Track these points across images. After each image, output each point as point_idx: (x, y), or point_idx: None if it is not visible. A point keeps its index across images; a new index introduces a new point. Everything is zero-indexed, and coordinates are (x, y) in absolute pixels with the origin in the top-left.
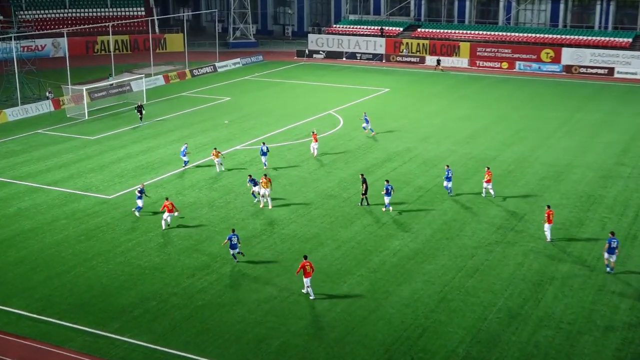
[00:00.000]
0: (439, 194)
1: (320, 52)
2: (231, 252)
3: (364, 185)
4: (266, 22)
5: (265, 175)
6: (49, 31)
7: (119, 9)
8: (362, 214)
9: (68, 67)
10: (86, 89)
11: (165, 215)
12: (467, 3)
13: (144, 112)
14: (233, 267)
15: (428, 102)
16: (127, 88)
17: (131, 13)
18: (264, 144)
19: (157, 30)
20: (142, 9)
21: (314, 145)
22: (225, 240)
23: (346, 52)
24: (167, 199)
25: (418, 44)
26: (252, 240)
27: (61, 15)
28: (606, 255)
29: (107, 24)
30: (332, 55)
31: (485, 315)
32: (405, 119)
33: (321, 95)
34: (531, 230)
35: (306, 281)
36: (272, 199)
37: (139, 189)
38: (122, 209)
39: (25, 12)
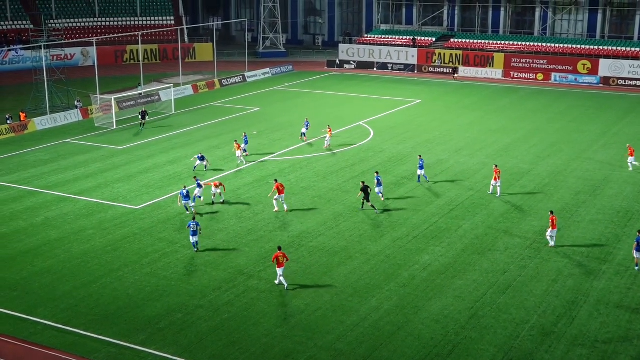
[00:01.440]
0: (472, 207)
1: (351, 63)
2: (192, 240)
3: (362, 191)
4: (296, 31)
5: (276, 180)
6: (79, 40)
7: (148, 18)
8: (392, 227)
9: (97, 76)
10: (115, 99)
11: (213, 190)
12: (502, 13)
13: (147, 118)
14: (260, 279)
15: (461, 114)
16: (155, 98)
17: (161, 22)
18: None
19: (186, 39)
20: (172, 18)
21: (327, 139)
22: (187, 227)
23: (377, 63)
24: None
25: (451, 54)
26: None
27: (90, 24)
28: (636, 254)
29: (136, 33)
30: (363, 65)
31: (517, 333)
32: (437, 131)
33: (351, 106)
34: (566, 246)
35: (279, 271)
36: (302, 210)
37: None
38: (149, 220)
39: (55, 21)
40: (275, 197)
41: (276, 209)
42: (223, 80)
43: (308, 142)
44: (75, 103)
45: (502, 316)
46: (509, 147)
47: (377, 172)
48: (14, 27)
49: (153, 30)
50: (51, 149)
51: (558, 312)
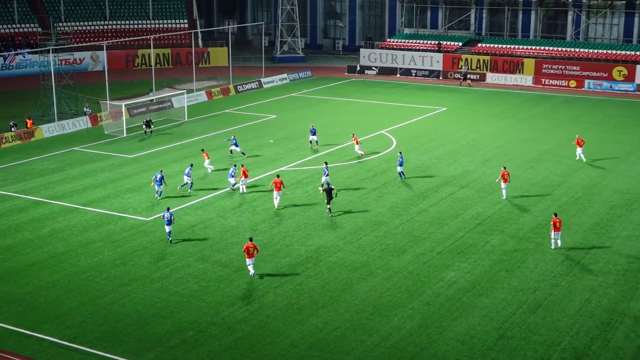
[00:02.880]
0: (500, 221)
1: (373, 68)
2: (167, 229)
3: (326, 193)
4: (315, 35)
5: (278, 175)
6: (88, 44)
7: (161, 21)
8: (415, 241)
9: (107, 82)
10: (125, 105)
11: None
12: (532, 16)
13: (152, 127)
14: (276, 296)
15: (488, 123)
16: (167, 104)
17: (174, 25)
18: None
19: (200, 43)
20: (185, 21)
21: (357, 148)
22: (161, 217)
23: (400, 68)
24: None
25: (478, 60)
26: (297, 268)
27: (101, 27)
28: None
29: (148, 37)
30: (385, 71)
31: (548, 355)
32: (464, 140)
33: (373, 114)
34: (600, 264)
35: (248, 261)
36: (320, 223)
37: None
38: (160, 232)
39: (64, 24)
40: (274, 194)
41: (277, 206)
42: (238, 87)
43: (325, 150)
44: (84, 109)
45: (532, 337)
46: (540, 158)
47: (325, 162)
48: (21, 30)
49: (166, 34)
50: (59, 157)
51: (592, 334)
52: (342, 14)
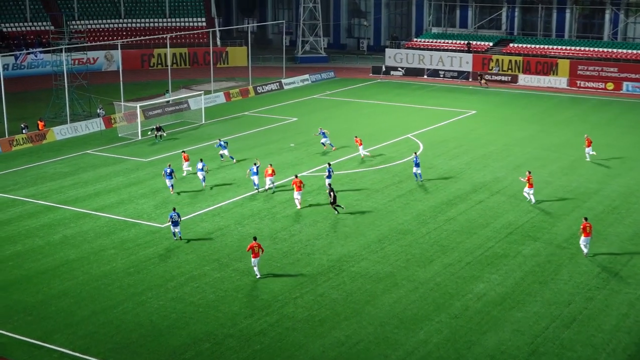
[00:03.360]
0: (532, 231)
1: (399, 69)
2: (172, 229)
3: (332, 194)
4: (339, 34)
5: (297, 175)
6: (102, 42)
7: (178, 20)
8: (443, 251)
9: (121, 82)
10: (140, 106)
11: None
12: (567, 15)
13: (162, 133)
14: (296, 307)
15: (520, 127)
16: (184, 106)
17: (191, 24)
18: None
19: (218, 42)
20: (203, 19)
21: (361, 150)
22: (168, 219)
23: (428, 69)
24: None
25: (510, 60)
26: (319, 278)
27: (115, 25)
28: None
29: (164, 36)
30: (411, 72)
31: None
32: (494, 145)
33: (399, 117)
34: (638, 276)
35: (253, 261)
36: (343, 232)
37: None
38: (176, 239)
39: (78, 22)
40: (295, 194)
41: (299, 206)
42: (258, 88)
43: (347, 154)
44: (98, 111)
45: (566, 353)
46: (574, 165)
47: (329, 164)
48: (33, 28)
49: (183, 33)
50: (71, 160)
51: (630, 351)
52: (367, 12)
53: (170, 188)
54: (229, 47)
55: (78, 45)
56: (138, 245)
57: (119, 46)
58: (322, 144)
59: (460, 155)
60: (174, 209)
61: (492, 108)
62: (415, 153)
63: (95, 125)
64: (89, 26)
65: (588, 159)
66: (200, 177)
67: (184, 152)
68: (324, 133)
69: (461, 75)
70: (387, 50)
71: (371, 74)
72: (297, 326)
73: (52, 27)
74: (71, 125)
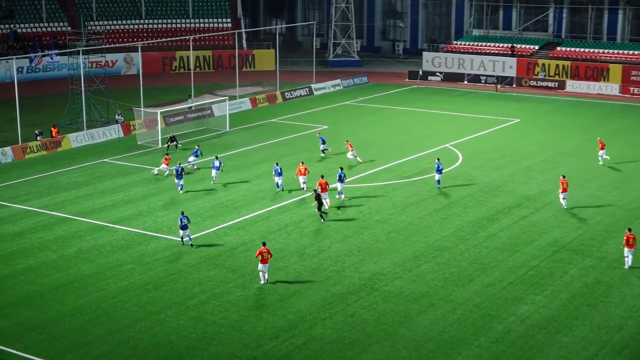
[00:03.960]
0: (580, 249)
1: (437, 74)
2: (181, 233)
3: (317, 201)
4: (373, 37)
5: (322, 176)
6: (122, 44)
7: (201, 20)
8: (483, 269)
9: (141, 87)
10: (161, 112)
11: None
12: (620, 16)
13: (176, 144)
14: (325, 328)
15: (568, 137)
16: (207, 112)
17: (215, 25)
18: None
19: (244, 45)
20: (229, 20)
21: (350, 155)
22: (178, 223)
23: (468, 75)
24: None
25: (557, 65)
26: (349, 298)
27: (135, 26)
28: None
29: (187, 37)
30: (451, 77)
31: None
32: (539, 156)
33: (436, 125)
34: None
35: (261, 267)
36: (376, 248)
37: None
38: (197, 255)
39: (96, 23)
40: (322, 196)
41: (328, 205)
42: (286, 93)
43: (381, 165)
44: (116, 117)
45: None
46: (628, 178)
47: (341, 168)
48: (49, 29)
49: (207, 34)
50: (87, 169)
51: None
52: (403, 13)
53: (179, 188)
54: (255, 50)
55: (96, 47)
56: (157, 260)
57: (139, 48)
58: (322, 150)
59: (503, 166)
60: (182, 213)
61: (537, 116)
62: (438, 159)
63: (113, 132)
64: (107, 27)
65: (601, 162)
66: (213, 174)
67: (167, 154)
68: (323, 139)
69: (504, 81)
70: (424, 53)
71: (407, 79)
72: (326, 349)
73: (69, 28)
74: (88, 132)
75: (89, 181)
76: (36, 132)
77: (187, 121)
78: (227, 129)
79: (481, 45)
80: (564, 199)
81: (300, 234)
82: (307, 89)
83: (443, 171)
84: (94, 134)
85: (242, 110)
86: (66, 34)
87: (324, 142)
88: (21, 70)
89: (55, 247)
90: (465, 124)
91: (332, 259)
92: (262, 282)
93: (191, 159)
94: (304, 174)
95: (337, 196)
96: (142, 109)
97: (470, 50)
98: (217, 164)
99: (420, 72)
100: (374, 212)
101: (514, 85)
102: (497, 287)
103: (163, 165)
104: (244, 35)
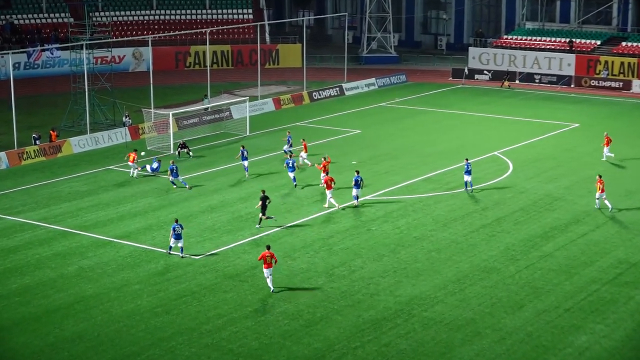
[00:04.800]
0: None
1: (485, 72)
2: (172, 243)
3: (261, 202)
4: (412, 30)
5: (327, 172)
6: (130, 38)
7: (220, 11)
8: (536, 294)
9: (151, 85)
10: (173, 114)
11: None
12: None
13: (187, 151)
14: (356, 359)
15: (634, 144)
16: (225, 114)
17: (235, 16)
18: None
19: (267, 39)
20: (250, 11)
21: (303, 156)
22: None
23: (520, 73)
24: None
25: (622, 63)
26: (384, 324)
27: (146, 18)
28: None
29: (203, 30)
30: (500, 76)
31: None
32: (601, 166)
33: (483, 130)
34: None
35: (266, 272)
36: (414, 268)
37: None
38: (213, 274)
39: (101, 14)
40: (327, 193)
41: (326, 204)
42: (314, 93)
43: (421, 174)
44: (123, 119)
45: None
46: None
47: (357, 172)
48: (49, 20)
49: (225, 27)
50: (90, 177)
51: None
52: (447, 3)
53: (174, 185)
54: (280, 45)
55: (101, 41)
56: (168, 281)
57: (150, 42)
58: (285, 151)
59: (559, 177)
60: (177, 220)
61: (598, 121)
62: (467, 159)
63: (119, 136)
64: (114, 19)
65: (604, 159)
66: (245, 164)
67: (135, 150)
68: (289, 139)
69: (561, 80)
70: (470, 49)
71: (451, 78)
72: None
73: (72, 20)
74: (91, 136)
75: (92, 191)
76: (34, 135)
77: (202, 124)
78: (247, 133)
79: (535, 40)
80: (598, 199)
81: (328, 252)
82: (337, 89)
83: (491, 182)
84: (98, 138)
85: (264, 112)
86: (68, 26)
87: (289, 143)
88: (18, 66)
89: (53, 265)
90: (516, 129)
91: (365, 280)
92: (271, 290)
93: (170, 178)
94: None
95: (353, 201)
96: (152, 110)
97: (523, 46)
98: (245, 153)
99: (466, 70)
100: (413, 228)
101: (572, 86)
102: (552, 314)
103: (129, 163)
104: (267, 28)
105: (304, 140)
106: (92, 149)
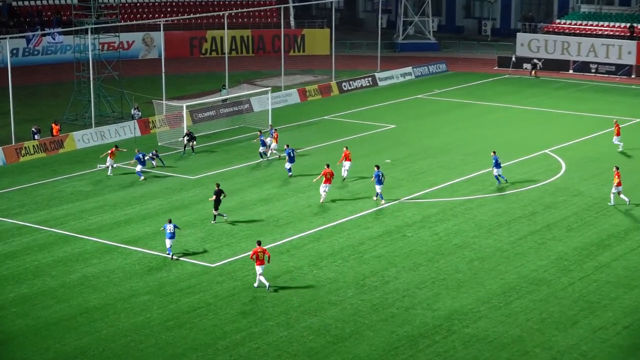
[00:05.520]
0: None
1: (535, 61)
2: (168, 243)
3: (215, 196)
4: (454, 14)
5: (328, 165)
6: (140, 22)
7: None
8: (591, 309)
9: (163, 74)
10: (187, 106)
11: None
12: None
13: (194, 143)
14: None
15: None
16: (245, 106)
17: None
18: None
19: (292, 23)
20: None
21: (273, 146)
22: (162, 229)
23: (574, 62)
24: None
25: None
26: (420, 342)
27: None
28: None
29: (221, 13)
30: (552, 65)
31: None
32: (621, 158)
33: (532, 125)
34: None
35: (258, 269)
36: (454, 279)
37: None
38: (230, 284)
39: None
40: (322, 187)
41: (322, 199)
42: (343, 84)
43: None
44: (132, 112)
45: None
46: None
47: (377, 167)
48: (50, 2)
49: (245, 10)
50: (95, 176)
51: None
52: None
53: (140, 176)
54: (306, 30)
55: (108, 25)
56: (180, 291)
57: (162, 27)
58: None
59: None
60: (170, 220)
61: None
62: (494, 152)
63: (127, 130)
64: (122, 0)
65: (620, 150)
66: (288, 166)
67: (116, 147)
68: (263, 141)
69: (620, 70)
70: (518, 35)
71: (496, 68)
72: None
73: (76, 1)
74: (96, 130)
75: (97, 191)
76: (33, 129)
77: (219, 117)
78: (268, 128)
79: (591, 25)
80: (613, 193)
81: (359, 260)
82: (369, 79)
83: (541, 183)
84: (104, 132)
85: (287, 104)
86: (72, 8)
87: (263, 144)
88: (16, 52)
89: (54, 272)
90: (570, 125)
91: (400, 292)
92: (267, 288)
93: (138, 167)
94: (350, 159)
95: (375, 198)
96: (164, 101)
97: (577, 32)
98: (292, 153)
99: (513, 59)
100: (453, 235)
101: (632, 76)
102: (610, 331)
103: (108, 160)
104: (291, 11)
105: (275, 130)
106: (98, 144)
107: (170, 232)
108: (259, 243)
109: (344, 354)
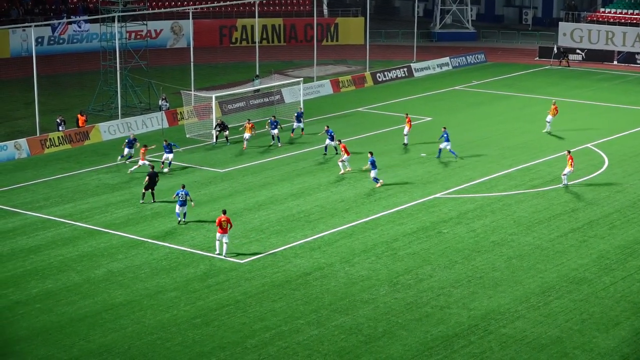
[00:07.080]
0: None
1: (578, 51)
2: (178, 209)
3: (148, 178)
4: (493, 2)
5: (340, 140)
6: (169, 9)
7: None
8: (635, 311)
9: (192, 64)
10: (216, 97)
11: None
12: None
13: (227, 133)
14: None
15: None
16: (276, 98)
17: None
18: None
19: (325, 11)
20: None
21: (246, 137)
22: (174, 196)
23: (620, 53)
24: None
25: None
26: (455, 342)
27: None
28: None
29: (252, 1)
30: (595, 56)
31: None
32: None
33: (575, 119)
34: None
35: (219, 236)
36: (491, 277)
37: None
38: (260, 281)
39: None
40: (342, 159)
41: (342, 171)
42: (378, 74)
43: (501, 169)
44: (160, 102)
45: None
46: None
47: (370, 153)
48: None
49: None
50: (121, 169)
51: None
52: None
53: (124, 159)
54: (339, 18)
55: (136, 12)
56: (208, 287)
57: (191, 15)
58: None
59: None
60: (183, 186)
61: None
62: (444, 128)
63: (155, 121)
64: None
65: (545, 130)
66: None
67: (145, 146)
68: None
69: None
70: (561, 24)
71: (537, 58)
72: None
73: None
74: (123, 121)
75: (123, 184)
76: (58, 120)
77: (250, 108)
78: (300, 123)
79: (637, 14)
80: (564, 174)
81: (392, 258)
82: (405, 70)
83: (583, 179)
84: (131, 123)
85: (320, 95)
86: None
87: (274, 126)
88: (41, 41)
89: (79, 268)
90: (614, 118)
91: (434, 291)
92: (216, 252)
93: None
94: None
95: (378, 185)
96: (192, 92)
97: (623, 21)
98: (334, 144)
99: (555, 49)
100: (490, 232)
101: None
102: None
103: (141, 162)
104: (325, 0)
105: (249, 120)
106: (124, 135)
107: (182, 200)
108: (224, 212)
109: (377, 354)
